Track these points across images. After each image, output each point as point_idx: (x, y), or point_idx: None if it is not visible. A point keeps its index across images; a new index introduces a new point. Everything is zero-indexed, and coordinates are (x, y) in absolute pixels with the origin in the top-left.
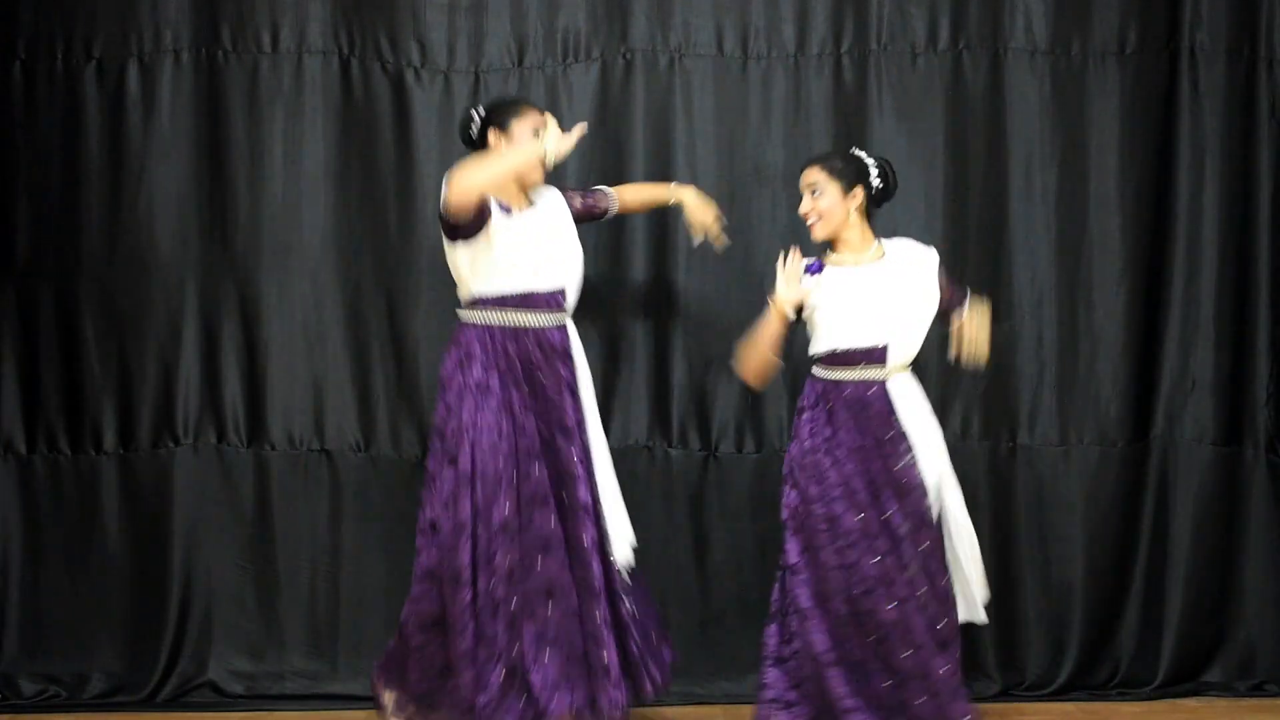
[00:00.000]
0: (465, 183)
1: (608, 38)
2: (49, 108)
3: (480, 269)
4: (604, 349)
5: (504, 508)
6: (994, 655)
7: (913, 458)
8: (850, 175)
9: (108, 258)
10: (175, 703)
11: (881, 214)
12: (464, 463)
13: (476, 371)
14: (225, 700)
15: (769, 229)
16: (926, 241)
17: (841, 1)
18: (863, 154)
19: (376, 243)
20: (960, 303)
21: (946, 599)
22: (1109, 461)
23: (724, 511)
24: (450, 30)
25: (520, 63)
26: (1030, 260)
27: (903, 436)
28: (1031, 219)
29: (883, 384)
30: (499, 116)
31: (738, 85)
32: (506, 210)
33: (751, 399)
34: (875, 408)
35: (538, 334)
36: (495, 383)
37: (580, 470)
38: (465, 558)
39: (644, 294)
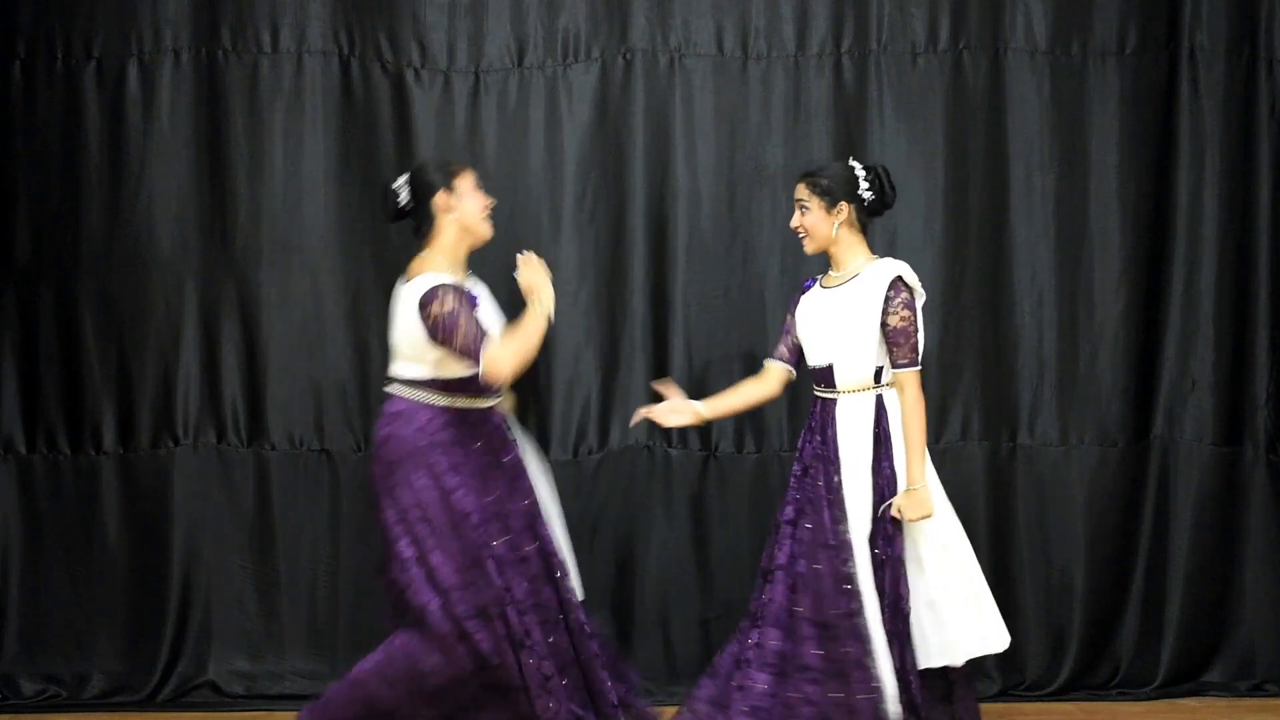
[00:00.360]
0: (517, 363)
1: (608, 38)
2: (49, 108)
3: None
4: (604, 349)
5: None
6: (994, 655)
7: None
8: (836, 191)
9: (108, 258)
10: (175, 703)
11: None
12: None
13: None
14: (225, 700)
15: (769, 229)
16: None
17: (841, 1)
18: (855, 165)
19: (376, 243)
20: (898, 347)
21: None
22: (1109, 461)
23: (724, 511)
24: (450, 30)
25: (520, 63)
26: (1030, 260)
27: (834, 459)
28: (1031, 219)
29: (834, 403)
30: (439, 178)
31: (738, 85)
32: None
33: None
34: (828, 428)
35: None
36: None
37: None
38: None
39: (644, 294)
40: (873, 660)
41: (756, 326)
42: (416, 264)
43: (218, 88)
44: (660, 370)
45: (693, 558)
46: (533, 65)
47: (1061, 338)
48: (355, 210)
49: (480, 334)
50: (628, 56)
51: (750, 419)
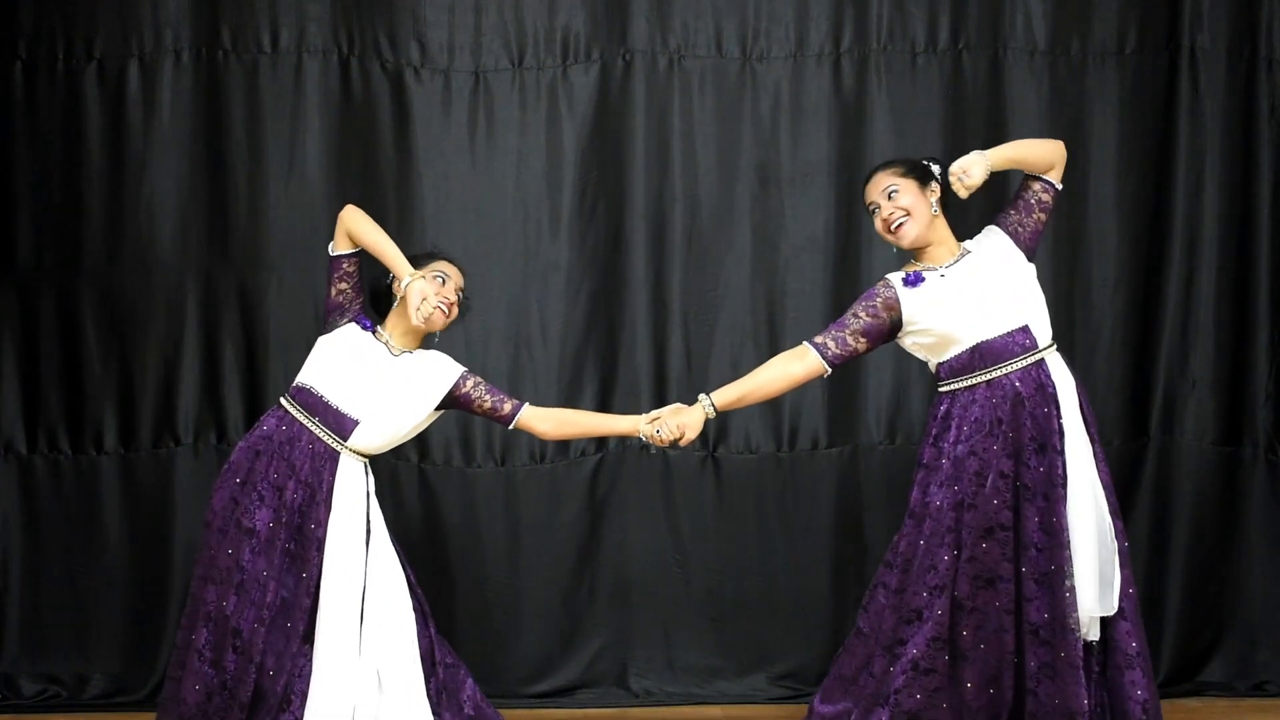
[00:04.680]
0: None
1: (608, 38)
2: (49, 108)
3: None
4: (603, 349)
5: None
6: None
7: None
8: (919, 171)
9: (108, 258)
10: None
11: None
12: None
13: None
14: None
15: (769, 229)
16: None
17: (841, 1)
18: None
19: None
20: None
21: None
22: (1108, 461)
23: (724, 511)
24: (450, 30)
25: (520, 63)
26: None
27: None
28: None
29: (1043, 365)
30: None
31: (738, 85)
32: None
33: None
34: (1047, 390)
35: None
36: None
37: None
38: None
39: (644, 294)
40: None
41: (756, 326)
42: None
43: (218, 88)
44: (660, 370)
45: (692, 558)
46: (533, 65)
47: (1060, 337)
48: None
49: None
50: (627, 57)
51: (750, 419)
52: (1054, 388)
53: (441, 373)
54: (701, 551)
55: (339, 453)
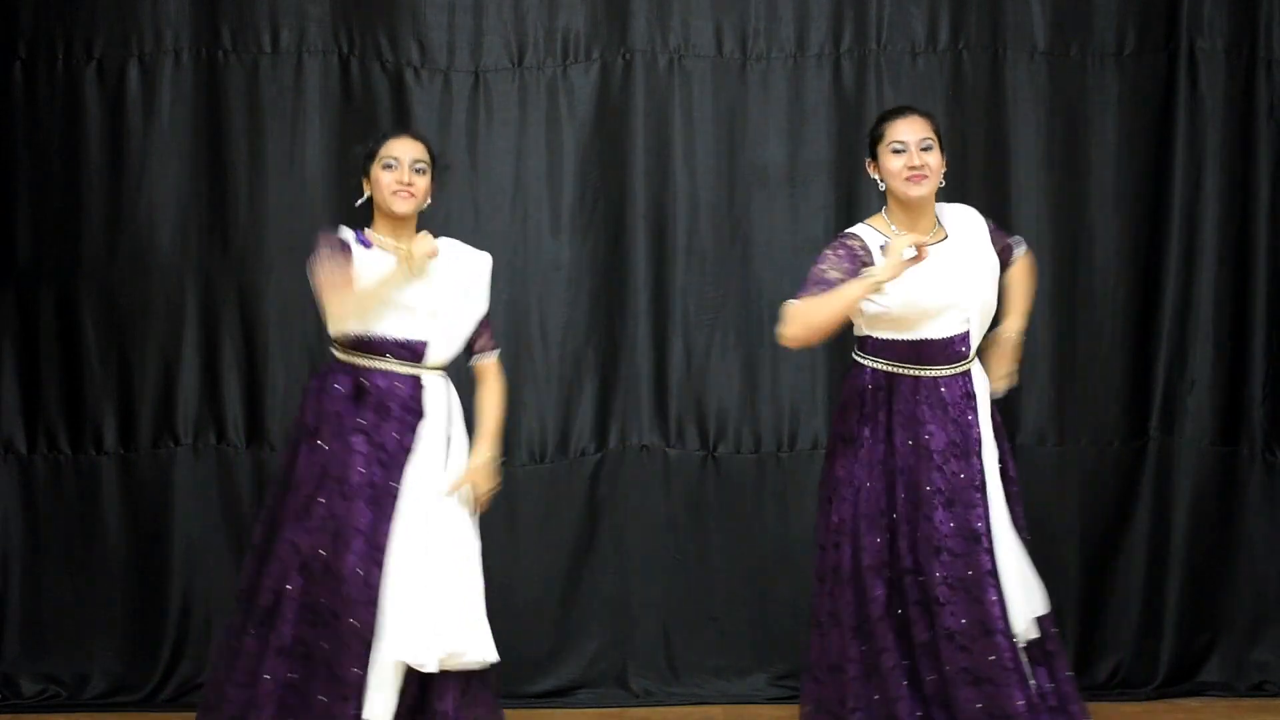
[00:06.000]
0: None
1: (608, 38)
2: (49, 108)
3: None
4: (604, 349)
5: None
6: None
7: None
8: (941, 140)
9: (108, 258)
10: (175, 703)
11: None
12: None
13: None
14: None
15: (769, 229)
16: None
17: (841, 1)
18: None
19: None
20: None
21: None
22: (1106, 461)
23: (723, 511)
24: (450, 30)
25: (520, 63)
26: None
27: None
28: (1031, 219)
29: (969, 376)
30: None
31: (737, 85)
32: None
33: (750, 396)
34: (968, 412)
35: None
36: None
37: None
38: None
39: (644, 294)
40: None
41: (756, 326)
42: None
43: (218, 88)
44: (660, 370)
45: (692, 558)
46: (533, 65)
47: (1059, 337)
48: (355, 210)
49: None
50: (627, 57)
51: (749, 419)
52: (975, 395)
53: (476, 263)
54: (701, 551)
55: (419, 376)
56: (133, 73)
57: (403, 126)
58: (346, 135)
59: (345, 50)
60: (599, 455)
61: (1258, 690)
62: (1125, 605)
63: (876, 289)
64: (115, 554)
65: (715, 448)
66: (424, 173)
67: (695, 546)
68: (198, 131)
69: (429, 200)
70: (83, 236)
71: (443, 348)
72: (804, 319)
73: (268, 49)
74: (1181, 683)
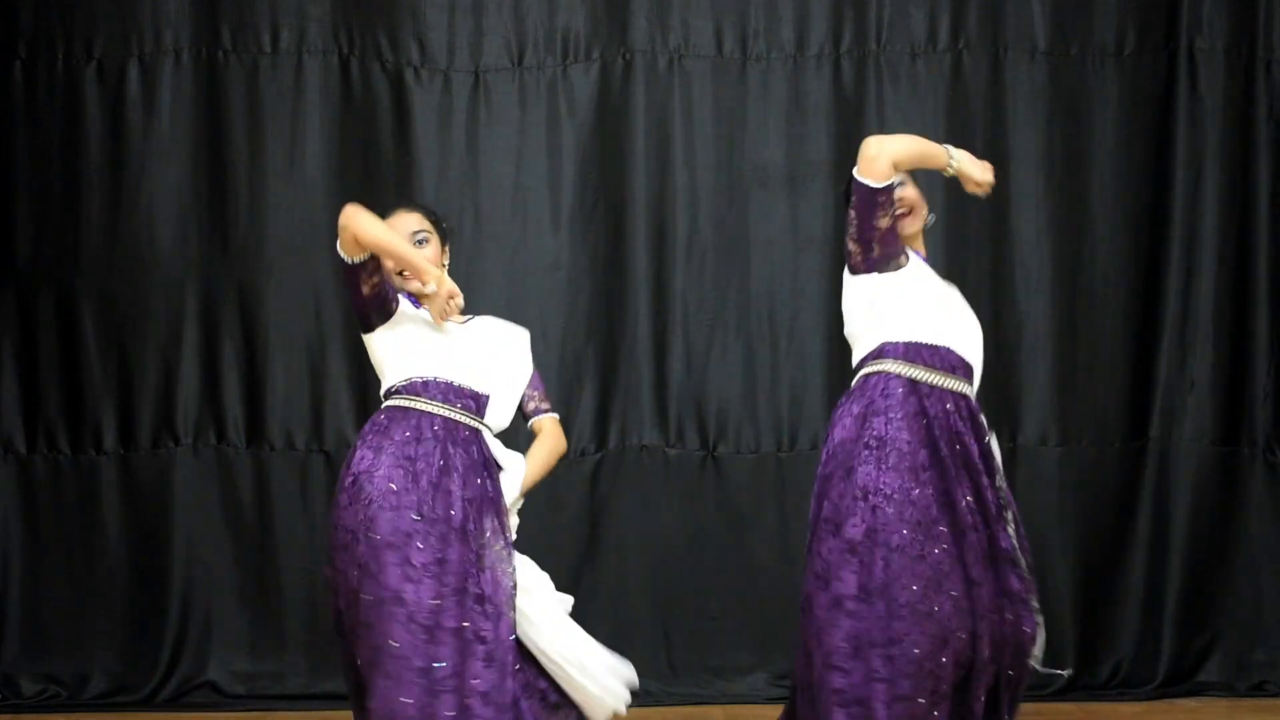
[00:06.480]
0: None
1: (608, 38)
2: (49, 108)
3: None
4: (604, 349)
5: None
6: None
7: None
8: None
9: (108, 258)
10: (175, 703)
11: None
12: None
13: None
14: (225, 700)
15: (768, 229)
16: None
17: (841, 1)
18: None
19: None
20: None
21: None
22: (1107, 461)
23: (723, 511)
24: (450, 30)
25: (520, 63)
26: (1029, 260)
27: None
28: (1031, 219)
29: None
30: None
31: (737, 85)
32: None
33: (750, 396)
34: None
35: None
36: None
37: None
38: None
39: (643, 293)
40: None
41: (756, 326)
42: None
43: (218, 88)
44: (660, 370)
45: (692, 558)
46: (533, 65)
47: (1060, 337)
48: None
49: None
50: (627, 57)
51: (749, 419)
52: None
53: (515, 334)
54: (701, 551)
55: (480, 430)
56: (133, 73)
57: (404, 199)
58: (346, 135)
59: (345, 50)
60: (599, 455)
61: (1258, 690)
62: (1125, 605)
63: (950, 158)
64: (115, 554)
65: (715, 448)
66: (426, 242)
67: (695, 546)
68: (198, 131)
69: (445, 262)
70: (82, 236)
71: (501, 411)
72: (881, 142)
73: (268, 49)
74: (1181, 683)
